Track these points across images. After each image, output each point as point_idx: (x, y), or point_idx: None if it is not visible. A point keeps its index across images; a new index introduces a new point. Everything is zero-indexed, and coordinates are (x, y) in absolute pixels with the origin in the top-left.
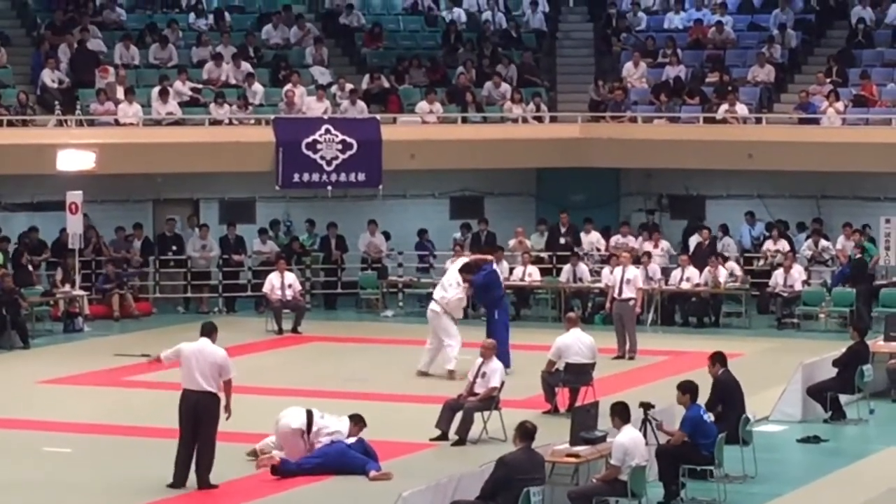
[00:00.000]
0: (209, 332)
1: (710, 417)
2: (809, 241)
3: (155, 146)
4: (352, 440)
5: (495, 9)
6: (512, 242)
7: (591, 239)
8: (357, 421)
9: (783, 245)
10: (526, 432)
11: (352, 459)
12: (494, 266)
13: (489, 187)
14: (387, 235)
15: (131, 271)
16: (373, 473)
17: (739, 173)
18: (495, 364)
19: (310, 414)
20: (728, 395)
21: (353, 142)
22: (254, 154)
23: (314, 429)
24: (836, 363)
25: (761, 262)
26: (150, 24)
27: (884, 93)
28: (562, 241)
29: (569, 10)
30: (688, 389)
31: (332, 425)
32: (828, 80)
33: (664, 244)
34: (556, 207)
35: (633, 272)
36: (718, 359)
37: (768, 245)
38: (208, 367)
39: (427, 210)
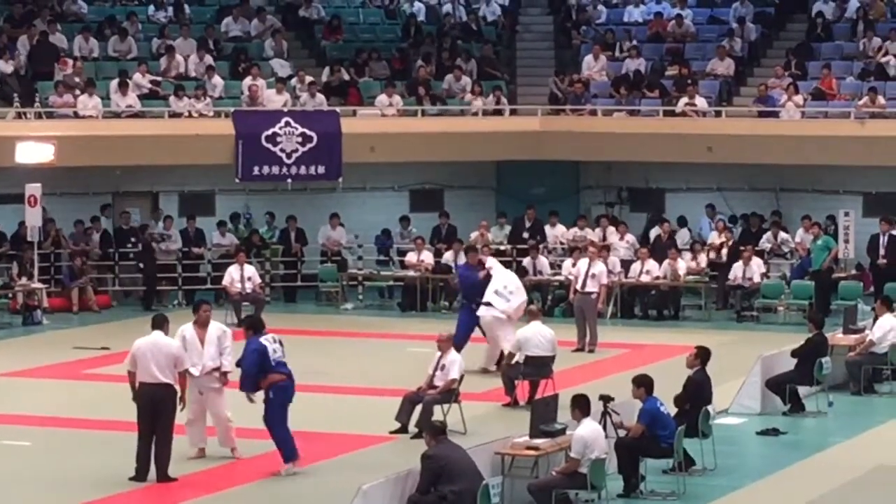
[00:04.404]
0: (161, 324)
1: (666, 409)
2: (769, 233)
3: (114, 139)
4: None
5: (455, 2)
6: (474, 235)
7: (556, 232)
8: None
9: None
10: (436, 429)
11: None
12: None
13: (449, 180)
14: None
15: (91, 264)
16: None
17: (699, 166)
18: (454, 356)
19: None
20: (698, 396)
21: (313, 134)
22: (213, 147)
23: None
24: (794, 353)
25: (711, 254)
26: (110, 17)
27: (843, 86)
28: (525, 234)
29: (528, 2)
30: (642, 383)
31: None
32: (787, 73)
33: (630, 237)
34: (516, 200)
35: (600, 267)
36: (702, 354)
37: (713, 238)
38: (164, 358)
39: (387, 203)
